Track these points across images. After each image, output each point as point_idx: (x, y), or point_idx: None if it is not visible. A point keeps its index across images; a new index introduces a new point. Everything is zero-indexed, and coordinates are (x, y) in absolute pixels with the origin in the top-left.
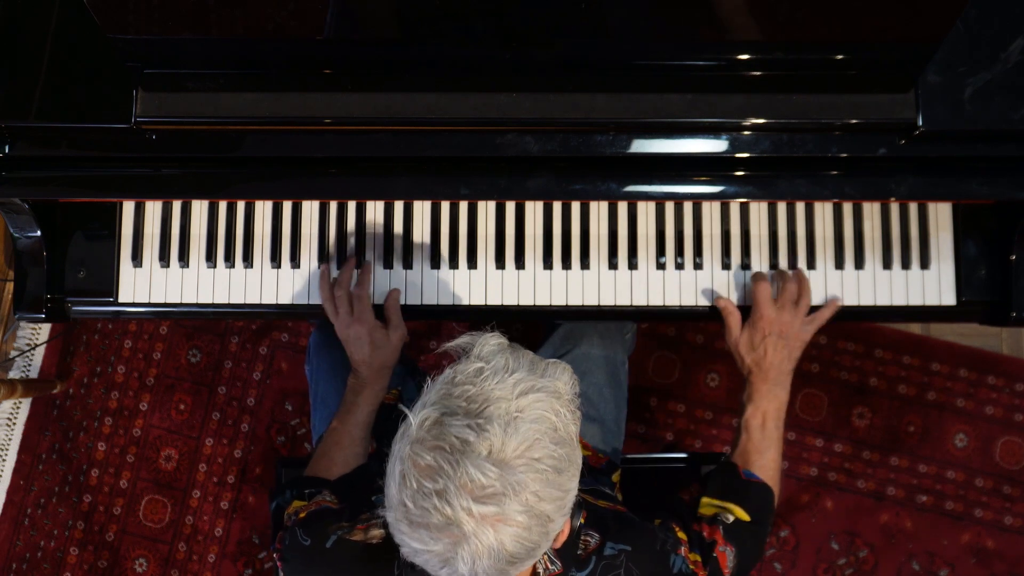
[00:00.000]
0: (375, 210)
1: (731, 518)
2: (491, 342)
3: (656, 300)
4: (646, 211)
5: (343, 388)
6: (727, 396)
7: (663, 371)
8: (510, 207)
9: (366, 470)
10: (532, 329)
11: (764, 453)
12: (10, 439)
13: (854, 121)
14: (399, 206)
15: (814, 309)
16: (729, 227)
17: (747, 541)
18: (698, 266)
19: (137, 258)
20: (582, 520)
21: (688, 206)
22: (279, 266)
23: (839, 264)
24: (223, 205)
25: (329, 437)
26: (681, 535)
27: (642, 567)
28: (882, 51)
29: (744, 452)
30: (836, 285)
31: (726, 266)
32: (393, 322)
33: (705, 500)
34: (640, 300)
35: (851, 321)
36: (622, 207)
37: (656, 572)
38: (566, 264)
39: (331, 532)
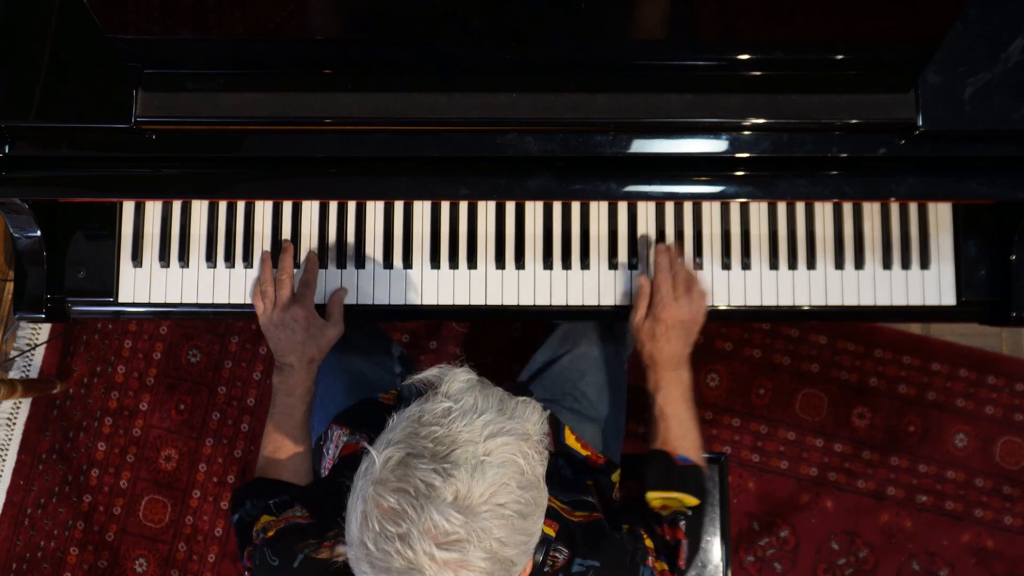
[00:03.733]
0: (375, 210)
1: (689, 511)
2: (460, 378)
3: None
4: (646, 211)
5: (341, 388)
6: (727, 396)
7: None
8: (510, 207)
9: (341, 476)
10: (532, 329)
11: (686, 436)
12: (10, 439)
13: (854, 121)
14: (399, 206)
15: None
16: (729, 227)
17: (696, 529)
18: (698, 266)
19: (137, 258)
20: (553, 533)
21: (688, 206)
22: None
23: (839, 264)
24: (223, 205)
25: (270, 443)
26: (648, 543)
27: None
28: (882, 51)
29: (667, 440)
30: (836, 285)
31: (726, 266)
32: (334, 318)
33: (650, 495)
34: None
35: (851, 321)
36: (622, 207)
37: None
38: (566, 264)
39: (298, 551)
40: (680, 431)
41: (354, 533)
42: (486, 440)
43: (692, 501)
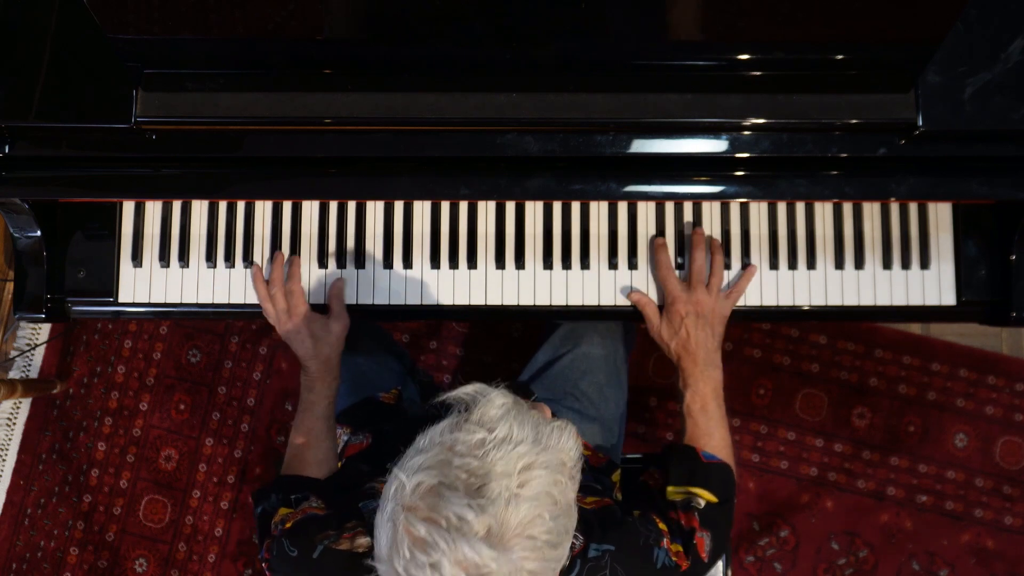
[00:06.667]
0: (375, 210)
1: (702, 503)
2: (495, 403)
3: (656, 300)
4: (646, 211)
5: (342, 388)
6: (727, 396)
7: (663, 371)
8: (510, 207)
9: (354, 469)
10: (532, 329)
11: (713, 434)
12: (10, 439)
13: (854, 121)
14: (399, 206)
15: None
16: (729, 227)
17: (719, 523)
18: None
19: (137, 258)
20: None
21: (688, 206)
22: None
23: (839, 264)
24: (223, 205)
25: (296, 437)
26: (662, 526)
27: (626, 566)
28: (882, 51)
29: (694, 437)
30: (836, 285)
31: (726, 266)
32: (335, 311)
33: (671, 489)
34: None
35: (851, 321)
36: (622, 207)
37: (641, 569)
38: (566, 264)
39: (317, 542)
40: (708, 428)
41: (384, 553)
42: (520, 472)
43: (711, 498)
